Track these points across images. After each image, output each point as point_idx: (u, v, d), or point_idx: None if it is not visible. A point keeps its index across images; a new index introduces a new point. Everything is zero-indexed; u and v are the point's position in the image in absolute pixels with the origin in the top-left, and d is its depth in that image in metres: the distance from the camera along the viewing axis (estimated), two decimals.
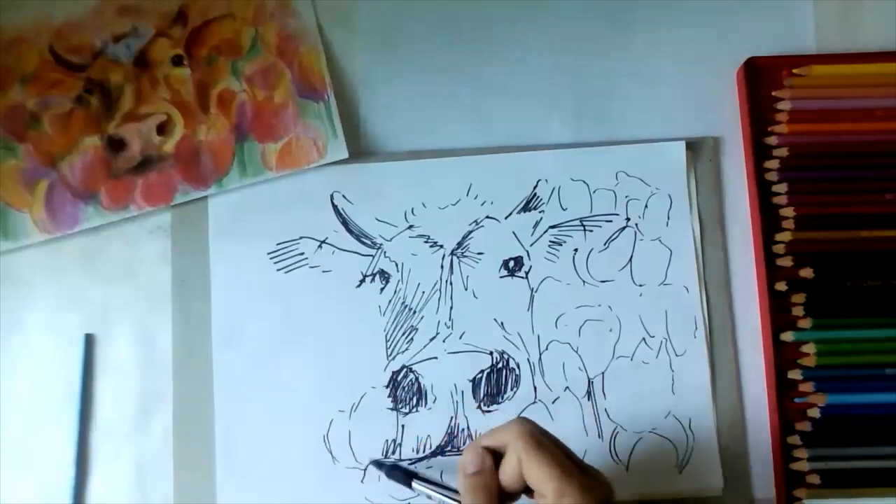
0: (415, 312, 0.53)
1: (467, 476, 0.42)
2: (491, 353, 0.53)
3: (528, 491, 0.42)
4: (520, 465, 0.41)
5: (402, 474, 0.49)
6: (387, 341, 0.53)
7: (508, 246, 0.54)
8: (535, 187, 0.55)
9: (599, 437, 0.52)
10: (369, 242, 0.54)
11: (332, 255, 0.54)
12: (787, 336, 0.52)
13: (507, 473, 0.41)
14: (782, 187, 0.54)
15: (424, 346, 0.53)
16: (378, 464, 0.51)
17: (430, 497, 0.48)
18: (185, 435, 0.52)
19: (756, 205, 0.54)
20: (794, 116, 0.54)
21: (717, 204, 0.55)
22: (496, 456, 0.42)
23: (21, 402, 0.53)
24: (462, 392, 0.52)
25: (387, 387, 0.53)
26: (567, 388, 0.53)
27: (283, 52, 0.56)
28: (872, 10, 0.57)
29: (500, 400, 0.52)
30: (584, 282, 0.54)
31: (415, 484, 0.48)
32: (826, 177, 0.54)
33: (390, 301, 0.54)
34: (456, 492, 0.45)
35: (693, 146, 0.55)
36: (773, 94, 0.55)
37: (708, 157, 0.55)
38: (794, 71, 0.55)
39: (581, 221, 0.54)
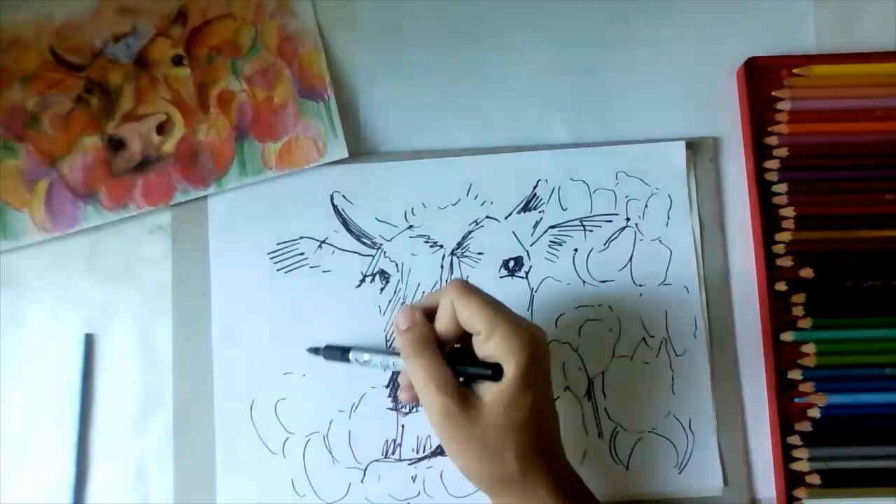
0: None
1: (402, 333, 0.45)
2: None
3: (466, 341, 0.44)
4: (453, 309, 0.43)
5: (338, 351, 0.50)
6: (387, 341, 0.53)
7: (508, 246, 0.54)
8: (535, 187, 0.55)
9: (599, 437, 0.52)
10: (369, 242, 0.54)
11: (332, 255, 0.54)
12: (787, 336, 0.52)
13: (442, 320, 0.44)
14: (782, 187, 0.54)
15: None
16: (314, 350, 0.52)
17: (367, 362, 0.49)
18: (185, 435, 0.52)
19: (756, 205, 0.54)
20: (794, 116, 0.54)
21: (717, 204, 0.55)
22: (430, 314, 0.45)
23: (21, 402, 0.53)
24: None
25: (386, 387, 0.53)
26: (567, 387, 0.53)
27: (283, 52, 0.56)
28: (872, 10, 0.57)
29: None
30: (584, 282, 0.54)
31: (352, 355, 0.49)
32: (826, 177, 0.54)
33: (390, 301, 0.54)
34: (396, 353, 0.46)
35: (693, 146, 0.55)
36: (773, 94, 0.55)
37: (708, 157, 0.55)
38: (794, 71, 0.55)
39: (581, 221, 0.54)
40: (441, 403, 0.42)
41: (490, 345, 0.42)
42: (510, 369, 0.41)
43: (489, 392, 0.42)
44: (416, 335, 0.44)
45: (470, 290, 0.43)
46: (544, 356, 0.43)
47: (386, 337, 0.53)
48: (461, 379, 0.43)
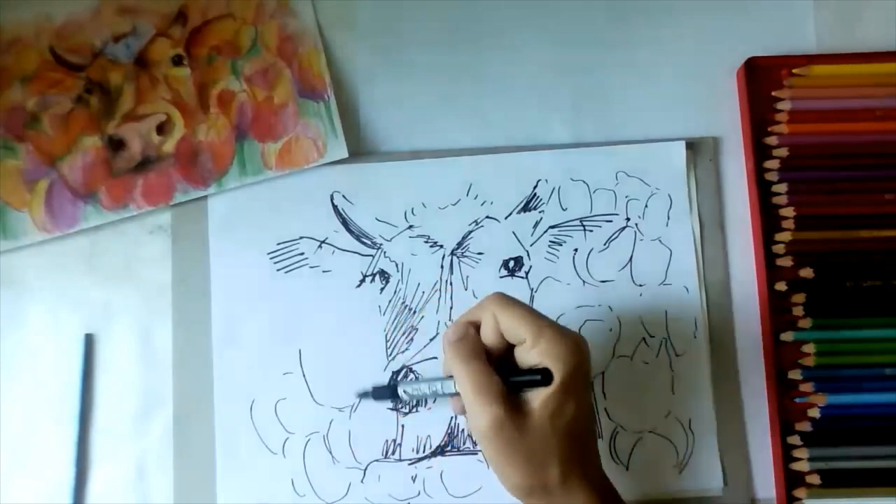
0: (415, 312, 0.53)
1: (452, 344, 0.44)
2: None
3: (510, 352, 0.44)
4: (496, 322, 0.43)
5: (387, 390, 0.49)
6: (387, 341, 0.53)
7: (508, 246, 0.54)
8: (535, 187, 0.55)
9: (599, 437, 0.52)
10: (369, 242, 0.54)
11: (332, 255, 0.54)
12: (787, 336, 0.52)
13: (487, 334, 0.44)
14: (782, 187, 0.54)
15: (424, 346, 0.53)
16: (363, 394, 0.51)
17: (416, 393, 0.47)
18: (185, 435, 0.52)
19: (756, 205, 0.54)
20: (794, 116, 0.54)
21: (717, 204, 0.55)
22: (476, 328, 0.45)
23: (21, 402, 0.53)
24: None
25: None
26: None
27: (283, 52, 0.56)
28: (872, 10, 0.57)
29: None
30: (584, 282, 0.54)
31: (400, 390, 0.48)
32: (826, 177, 0.54)
33: (390, 301, 0.54)
34: (441, 378, 0.45)
35: (693, 146, 0.55)
36: (773, 94, 0.55)
37: (708, 157, 0.55)
38: (794, 71, 0.55)
39: (581, 221, 0.54)
40: (491, 413, 0.41)
41: (536, 351, 0.42)
42: (558, 373, 0.41)
43: (537, 398, 0.41)
44: (466, 345, 0.43)
45: (510, 300, 0.43)
46: (587, 363, 0.43)
47: (386, 337, 0.53)
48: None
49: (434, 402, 0.52)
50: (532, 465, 0.41)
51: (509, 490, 0.42)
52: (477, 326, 0.44)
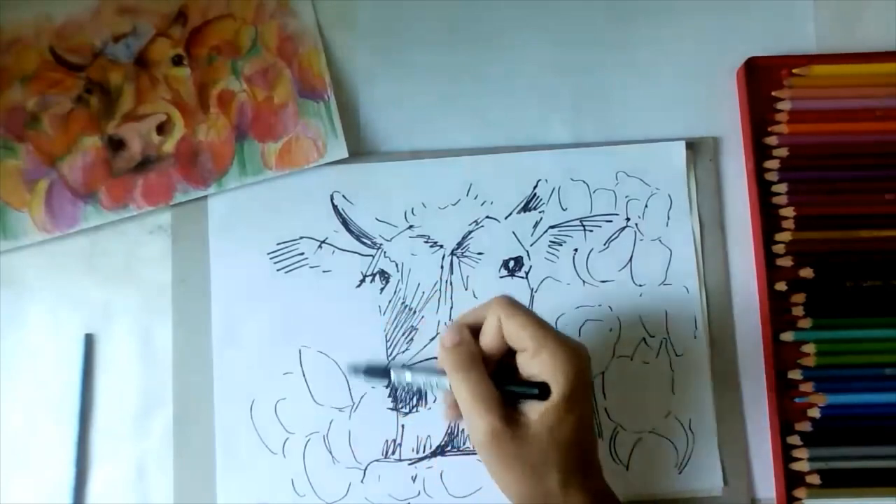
0: (415, 312, 0.53)
1: (448, 350, 0.43)
2: None
3: (510, 357, 0.43)
4: (499, 325, 0.42)
5: (380, 371, 0.48)
6: (387, 341, 0.53)
7: (508, 246, 0.54)
8: (535, 187, 0.55)
9: (599, 437, 0.52)
10: (369, 242, 0.54)
11: (332, 255, 0.54)
12: (787, 336, 0.52)
13: (488, 336, 0.43)
14: (782, 187, 0.54)
15: (424, 346, 0.53)
16: (353, 369, 0.50)
17: (409, 382, 0.46)
18: (185, 435, 0.52)
19: (756, 205, 0.54)
20: (794, 116, 0.54)
21: (717, 204, 0.55)
22: (475, 330, 0.44)
23: (21, 401, 0.53)
24: None
25: (387, 387, 0.53)
26: None
27: (283, 52, 0.56)
28: (872, 10, 0.57)
29: None
30: (584, 282, 0.54)
31: (393, 374, 0.47)
32: (826, 177, 0.54)
33: (390, 301, 0.54)
34: (437, 373, 0.45)
35: (693, 146, 0.55)
36: (773, 94, 0.55)
37: (708, 157, 0.55)
38: (794, 71, 0.55)
39: (581, 221, 0.54)
40: (488, 424, 0.41)
41: (536, 362, 0.41)
42: (557, 388, 0.41)
43: (535, 411, 0.41)
44: (463, 353, 0.43)
45: (516, 306, 0.43)
46: (588, 375, 0.43)
47: (386, 337, 0.53)
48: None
49: (434, 401, 0.52)
50: (530, 475, 0.41)
51: (509, 498, 0.42)
52: (475, 329, 0.44)
